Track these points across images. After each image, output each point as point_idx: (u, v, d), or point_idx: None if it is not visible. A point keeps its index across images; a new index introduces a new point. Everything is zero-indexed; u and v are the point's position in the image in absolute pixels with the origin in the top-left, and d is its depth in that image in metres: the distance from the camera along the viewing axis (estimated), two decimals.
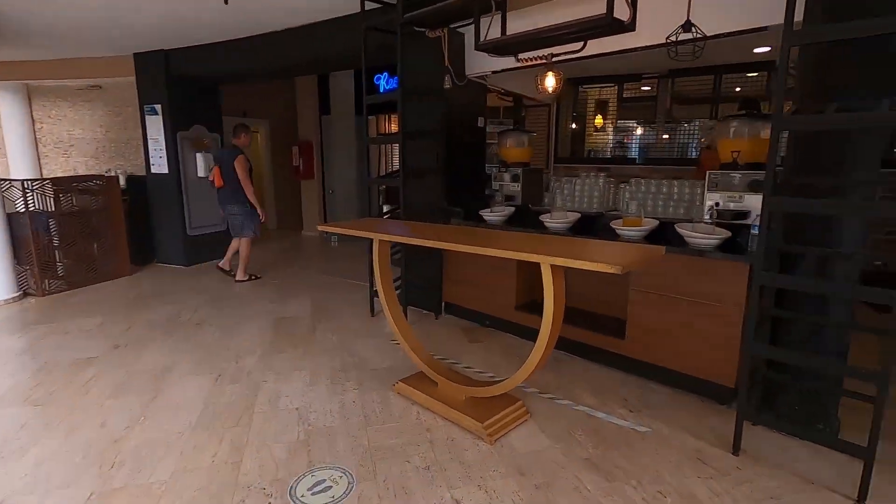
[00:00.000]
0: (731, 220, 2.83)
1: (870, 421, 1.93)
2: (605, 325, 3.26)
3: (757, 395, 2.53)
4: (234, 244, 5.36)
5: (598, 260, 1.84)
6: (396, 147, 4.09)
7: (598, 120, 6.56)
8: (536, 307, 3.75)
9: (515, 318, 3.72)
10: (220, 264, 5.52)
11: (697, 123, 5.86)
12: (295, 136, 8.64)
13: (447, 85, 3.51)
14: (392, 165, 9.97)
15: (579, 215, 3.41)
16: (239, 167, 4.92)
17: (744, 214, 2.82)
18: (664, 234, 3.07)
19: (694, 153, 5.90)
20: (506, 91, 5.24)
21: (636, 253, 2.03)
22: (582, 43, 2.61)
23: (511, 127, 4.12)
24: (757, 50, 4.70)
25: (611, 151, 6.53)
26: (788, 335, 2.40)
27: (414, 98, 3.92)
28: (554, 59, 2.81)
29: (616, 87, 6.35)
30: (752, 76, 5.57)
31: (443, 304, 4.31)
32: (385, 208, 4.62)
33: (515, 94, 5.63)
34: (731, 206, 2.88)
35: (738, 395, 2.28)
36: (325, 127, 8.00)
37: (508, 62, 3.22)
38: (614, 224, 3.16)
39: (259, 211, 5.12)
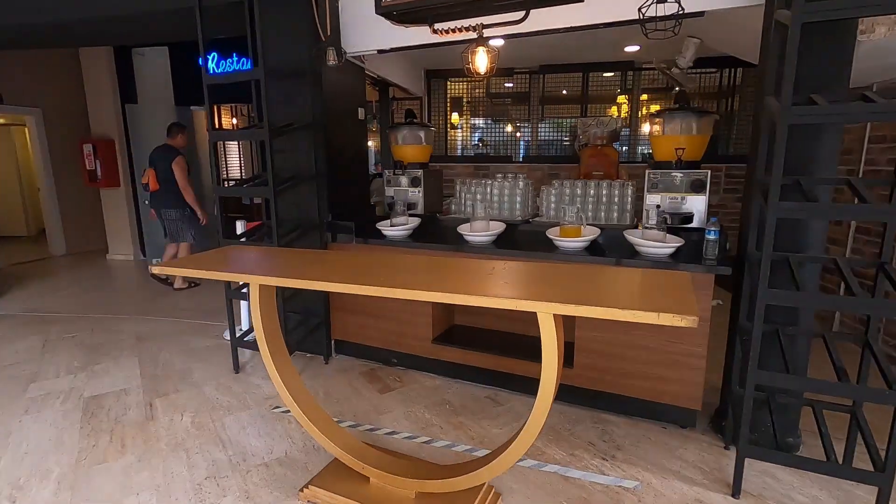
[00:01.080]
0: (680, 224, 2.57)
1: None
2: None
3: (734, 421, 2.30)
4: (170, 250, 5.07)
5: (644, 307, 1.28)
6: (237, 148, 3.03)
7: (455, 119, 6.21)
8: (458, 336, 3.13)
9: (434, 353, 3.05)
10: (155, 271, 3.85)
11: (571, 121, 5.89)
12: (85, 130, 6.56)
13: (331, 61, 2.63)
14: (228, 170, 8.36)
15: (504, 225, 2.87)
16: (178, 169, 4.69)
17: (689, 218, 2.58)
18: (608, 244, 2.71)
19: (566, 151, 5.91)
20: (378, 78, 4.47)
21: (677, 284, 1.53)
22: (523, 12, 2.04)
23: (406, 121, 3.41)
24: (627, 49, 4.77)
25: (487, 149, 6.23)
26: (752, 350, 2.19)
27: (279, 81, 2.94)
28: (486, 33, 2.18)
29: (483, 80, 6.06)
30: (609, 76, 5.76)
31: (332, 342, 3.42)
32: (239, 227, 3.50)
33: (387, 82, 4.90)
34: (675, 208, 2.63)
35: (737, 430, 1.96)
36: (131, 119, 6.18)
37: (417, 35, 2.50)
38: (551, 234, 2.70)
39: (199, 214, 4.91)
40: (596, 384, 2.64)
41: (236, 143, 7.69)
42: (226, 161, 8.36)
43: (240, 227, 3.54)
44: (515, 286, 1.63)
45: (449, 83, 6.07)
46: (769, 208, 1.75)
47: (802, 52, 1.98)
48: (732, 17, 2.60)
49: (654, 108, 5.65)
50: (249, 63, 3.44)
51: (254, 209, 6.83)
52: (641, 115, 5.66)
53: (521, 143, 6.08)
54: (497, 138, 6.20)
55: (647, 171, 2.64)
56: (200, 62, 2.83)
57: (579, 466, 2.23)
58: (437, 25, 2.20)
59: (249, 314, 3.79)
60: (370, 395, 2.90)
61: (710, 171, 2.53)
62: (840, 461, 2.02)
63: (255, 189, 3.09)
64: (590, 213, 2.76)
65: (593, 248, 2.63)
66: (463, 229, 2.92)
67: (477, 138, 6.31)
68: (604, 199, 2.93)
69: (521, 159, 5.99)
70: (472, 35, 2.14)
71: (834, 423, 2.15)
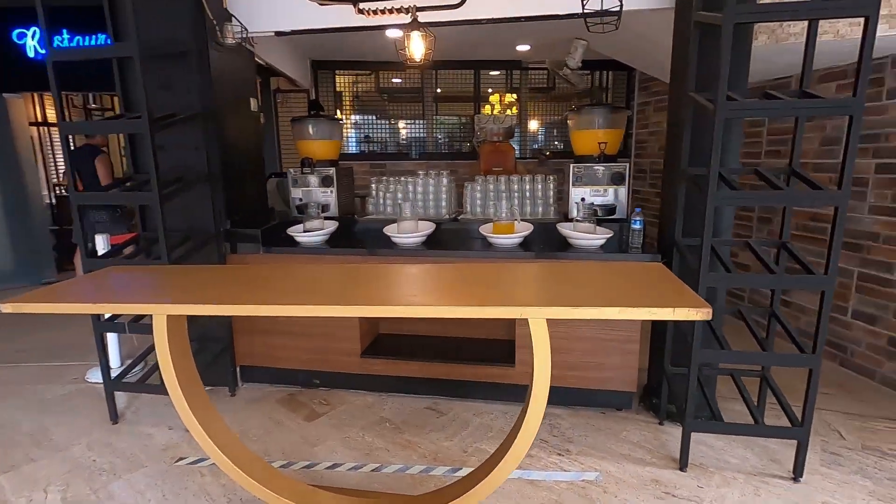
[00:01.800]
0: (605, 216, 2.66)
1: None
2: (489, 354, 2.71)
3: (664, 396, 2.45)
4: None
5: (652, 303, 1.24)
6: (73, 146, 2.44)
7: (343, 114, 5.90)
8: (388, 347, 2.91)
9: (364, 368, 2.78)
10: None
11: (463, 119, 5.91)
12: None
13: (229, 39, 2.20)
14: (58, 172, 6.87)
15: (433, 225, 2.72)
16: (102, 167, 3.98)
17: (612, 209, 2.69)
18: (540, 238, 2.70)
19: (463, 147, 5.93)
20: (266, 65, 3.98)
21: (658, 275, 1.51)
22: None
23: (311, 113, 3.04)
24: (519, 47, 4.91)
25: (374, 146, 5.97)
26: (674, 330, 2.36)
27: (154, 62, 2.41)
28: (420, 17, 2.00)
29: (372, 74, 5.80)
30: (496, 74, 5.91)
31: (237, 370, 2.94)
32: (100, 241, 2.83)
33: (274, 71, 4.40)
34: (598, 200, 2.72)
35: (686, 408, 2.08)
36: None
37: (336, 16, 2.21)
38: (484, 231, 2.61)
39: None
40: None
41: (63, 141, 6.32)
42: (55, 162, 6.89)
43: (101, 242, 2.86)
44: (486, 291, 1.50)
45: (337, 75, 5.70)
46: (710, 197, 1.85)
47: (710, 51, 2.14)
48: (624, 24, 2.74)
49: (534, 104, 5.93)
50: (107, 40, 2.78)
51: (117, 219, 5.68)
52: (530, 112, 5.91)
53: (416, 139, 5.96)
54: (391, 135, 5.99)
55: (570, 165, 2.69)
56: (40, 38, 2.17)
57: (539, 467, 2.18)
58: (363, 5, 1.95)
59: (120, 348, 3.11)
60: (296, 426, 2.54)
61: (628, 164, 2.66)
62: (757, 422, 2.25)
63: (132, 194, 2.49)
64: (516, 208, 2.73)
65: (527, 244, 2.60)
66: (390, 231, 2.70)
67: (363, 135, 6.02)
68: (527, 193, 2.93)
69: (417, 156, 5.87)
70: (405, 18, 1.93)
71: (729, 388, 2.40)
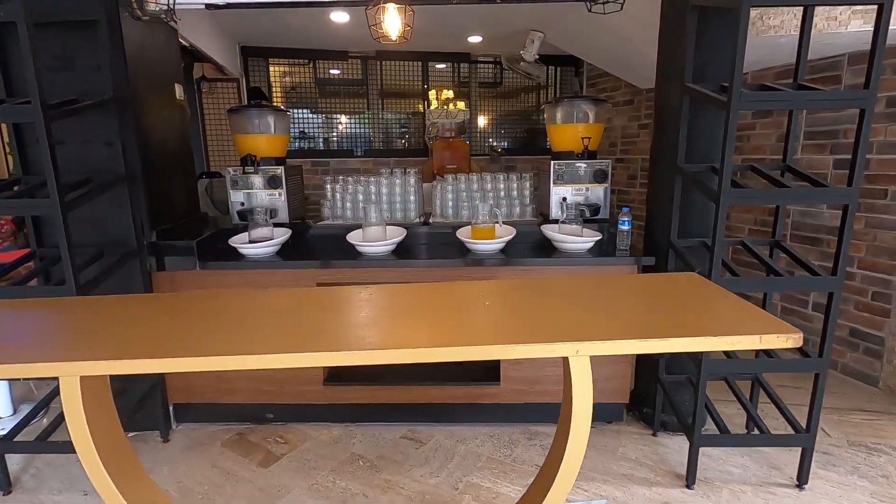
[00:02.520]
0: (591, 216, 2.49)
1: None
2: (471, 372, 2.44)
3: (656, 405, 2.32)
4: None
5: (731, 330, 1.03)
6: None
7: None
8: (353, 371, 2.55)
9: (328, 397, 2.41)
10: None
11: (406, 116, 5.58)
12: None
13: (152, 5, 1.75)
14: None
15: (404, 231, 2.40)
16: None
17: (597, 209, 2.52)
18: (523, 242, 2.47)
19: (413, 144, 5.61)
20: (190, 48, 3.44)
21: (702, 289, 1.30)
22: None
23: (253, 102, 2.59)
24: (471, 38, 4.67)
25: (310, 143, 5.49)
26: None
27: (45, 31, 1.89)
28: None
29: (310, 63, 5.31)
30: (442, 67, 5.64)
31: (171, 409, 2.46)
32: None
33: (199, 55, 3.84)
34: (580, 199, 2.54)
35: (693, 423, 1.93)
36: None
37: None
38: (462, 236, 2.34)
39: None
40: (525, 396, 2.40)
41: None
42: None
43: None
44: (505, 320, 1.23)
45: (271, 64, 5.15)
46: (723, 196, 1.70)
47: (707, 39, 2.02)
48: (587, 15, 2.58)
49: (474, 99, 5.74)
50: None
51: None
52: (479, 108, 5.70)
53: (361, 136, 5.55)
54: (331, 131, 5.53)
55: (551, 163, 2.49)
56: None
57: None
58: None
59: (11, 392, 2.51)
60: (250, 475, 2.13)
61: (610, 161, 2.50)
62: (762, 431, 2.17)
63: (23, 202, 1.92)
64: (497, 211, 2.47)
65: (509, 248, 2.36)
66: (354, 238, 2.35)
67: (299, 131, 5.51)
68: (502, 193, 2.70)
69: (362, 154, 5.47)
70: None
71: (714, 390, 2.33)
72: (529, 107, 5.88)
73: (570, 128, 2.53)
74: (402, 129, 5.64)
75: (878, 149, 2.74)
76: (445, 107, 4.97)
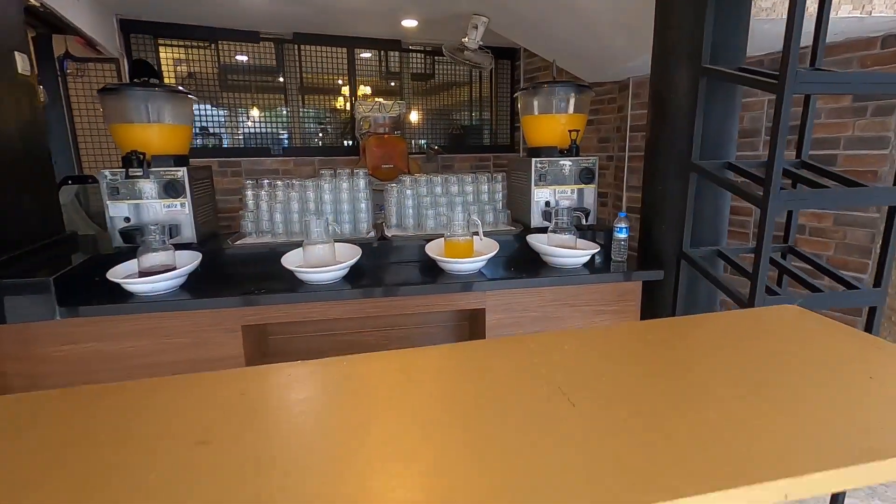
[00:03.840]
0: (582, 224, 2.12)
1: None
2: None
3: None
4: None
5: None
6: None
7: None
8: None
9: None
10: None
11: (339, 107, 4.93)
12: None
13: None
14: None
15: (358, 249, 1.86)
16: None
17: (587, 214, 2.16)
18: (504, 255, 2.04)
19: (339, 141, 4.97)
20: (43, 10, 2.58)
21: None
22: None
23: (139, 79, 1.87)
24: (405, 22, 4.15)
25: (215, 140, 4.66)
26: None
27: None
28: None
29: (211, 46, 4.48)
30: (367, 56, 5.07)
31: None
32: None
33: (58, 21, 2.96)
34: (564, 202, 2.16)
35: None
36: None
37: None
38: (433, 253, 1.86)
39: None
40: None
41: None
42: None
43: None
44: (610, 433, 0.76)
45: (161, 45, 4.26)
46: (771, 199, 1.38)
47: (722, 14, 1.72)
48: None
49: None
50: None
51: None
52: (412, 101, 5.21)
53: (277, 133, 4.81)
54: (242, 126, 4.74)
55: (532, 161, 2.08)
56: None
57: None
58: None
59: None
60: None
61: (597, 158, 2.15)
62: None
63: None
64: (476, 220, 1.99)
65: (489, 265, 1.92)
66: (292, 262, 1.77)
67: (200, 126, 4.66)
68: (470, 197, 2.24)
69: (280, 152, 4.74)
70: None
71: None
72: (463, 101, 5.51)
73: (550, 119, 2.13)
74: (322, 125, 4.98)
75: (845, 144, 2.67)
76: (377, 99, 4.42)
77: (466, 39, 3.84)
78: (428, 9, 3.84)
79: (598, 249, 1.92)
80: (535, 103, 2.16)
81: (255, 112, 4.81)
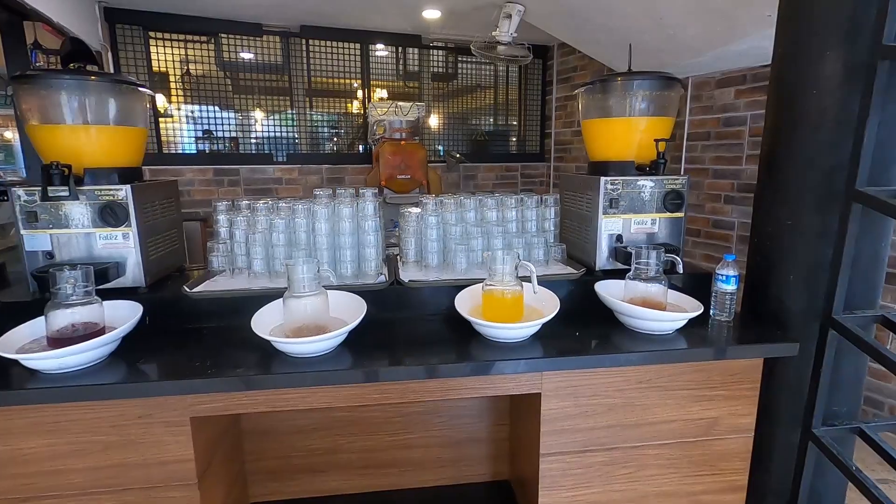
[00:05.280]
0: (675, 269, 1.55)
1: None
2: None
3: None
4: None
5: None
6: None
7: (162, 105, 4.05)
8: None
9: None
10: None
11: (332, 111, 4.44)
12: None
13: None
14: None
15: (362, 304, 1.33)
16: None
17: (675, 253, 1.59)
18: (562, 307, 1.49)
19: (351, 147, 4.48)
20: None
21: None
22: None
23: (68, 65, 1.39)
24: (426, 13, 3.64)
25: (218, 145, 4.20)
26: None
27: None
28: None
29: (211, 41, 4.02)
30: (383, 55, 4.56)
31: None
32: None
33: (28, 10, 2.51)
34: (643, 236, 1.61)
35: None
36: None
37: None
38: (465, 311, 1.32)
39: None
40: None
41: None
42: None
43: None
44: None
45: (152, 39, 3.81)
46: None
47: None
48: None
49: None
50: None
51: None
52: (432, 104, 4.70)
53: (282, 137, 4.33)
54: (244, 130, 4.27)
55: (601, 181, 1.53)
56: None
57: None
58: None
59: None
60: None
61: (689, 177, 1.58)
62: None
63: None
64: (528, 264, 1.42)
65: (546, 328, 1.37)
66: (266, 322, 1.25)
67: (202, 131, 4.20)
68: (512, 224, 1.70)
69: (284, 158, 4.26)
70: None
71: None
72: (488, 104, 4.97)
73: (625, 124, 1.58)
74: (332, 130, 4.49)
75: None
76: (394, 101, 3.91)
77: (496, 32, 3.31)
78: None
79: (702, 310, 1.36)
80: (607, 102, 1.60)
81: (257, 114, 4.33)
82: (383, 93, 4.49)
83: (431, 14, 3.65)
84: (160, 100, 3.95)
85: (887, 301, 2.43)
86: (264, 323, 1.27)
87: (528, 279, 1.36)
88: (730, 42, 2.36)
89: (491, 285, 1.32)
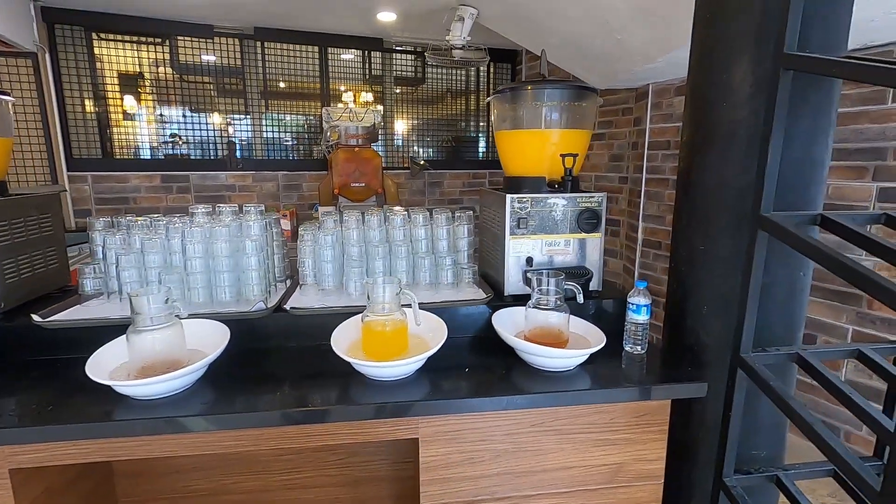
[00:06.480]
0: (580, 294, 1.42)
1: None
2: None
3: None
4: None
5: None
6: None
7: (126, 106, 3.91)
8: None
9: None
10: None
11: (308, 117, 4.30)
12: None
13: None
14: None
15: (226, 331, 1.19)
16: None
17: (588, 280, 1.47)
18: (460, 340, 1.36)
19: (307, 153, 4.34)
20: None
21: None
22: None
23: None
24: (381, 16, 3.52)
25: (182, 148, 4.06)
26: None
27: None
28: None
29: (167, 44, 3.88)
30: (348, 58, 4.43)
31: None
32: None
33: None
34: (557, 259, 1.48)
35: None
36: None
37: None
38: (341, 349, 1.18)
39: None
40: None
41: None
42: None
43: None
44: None
45: (95, 39, 3.67)
46: None
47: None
48: None
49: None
50: None
51: None
52: (395, 109, 4.57)
53: (238, 141, 4.19)
54: (194, 134, 4.13)
55: (507, 199, 1.40)
56: None
57: None
58: None
59: None
60: None
61: (605, 195, 1.46)
62: None
63: None
64: (387, 288, 1.29)
65: (431, 362, 1.23)
66: (107, 361, 1.11)
67: (169, 135, 4.06)
68: (422, 242, 1.57)
69: (239, 166, 4.11)
70: None
71: None
72: (457, 110, 4.85)
73: (535, 137, 1.46)
74: (291, 135, 4.36)
75: None
76: (350, 105, 3.78)
77: (450, 36, 3.19)
78: (405, 0, 3.20)
79: (603, 344, 1.23)
80: (517, 112, 1.48)
81: (211, 118, 4.19)
82: (348, 96, 4.36)
83: (387, 17, 3.52)
84: (111, 104, 3.81)
85: (842, 322, 2.32)
86: (113, 358, 1.13)
87: (410, 305, 1.23)
88: (677, 48, 2.25)
89: (369, 316, 1.19)
